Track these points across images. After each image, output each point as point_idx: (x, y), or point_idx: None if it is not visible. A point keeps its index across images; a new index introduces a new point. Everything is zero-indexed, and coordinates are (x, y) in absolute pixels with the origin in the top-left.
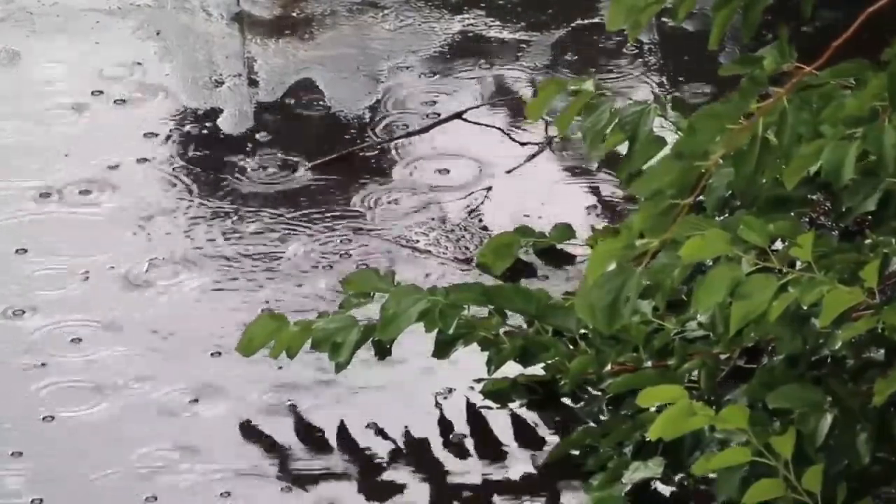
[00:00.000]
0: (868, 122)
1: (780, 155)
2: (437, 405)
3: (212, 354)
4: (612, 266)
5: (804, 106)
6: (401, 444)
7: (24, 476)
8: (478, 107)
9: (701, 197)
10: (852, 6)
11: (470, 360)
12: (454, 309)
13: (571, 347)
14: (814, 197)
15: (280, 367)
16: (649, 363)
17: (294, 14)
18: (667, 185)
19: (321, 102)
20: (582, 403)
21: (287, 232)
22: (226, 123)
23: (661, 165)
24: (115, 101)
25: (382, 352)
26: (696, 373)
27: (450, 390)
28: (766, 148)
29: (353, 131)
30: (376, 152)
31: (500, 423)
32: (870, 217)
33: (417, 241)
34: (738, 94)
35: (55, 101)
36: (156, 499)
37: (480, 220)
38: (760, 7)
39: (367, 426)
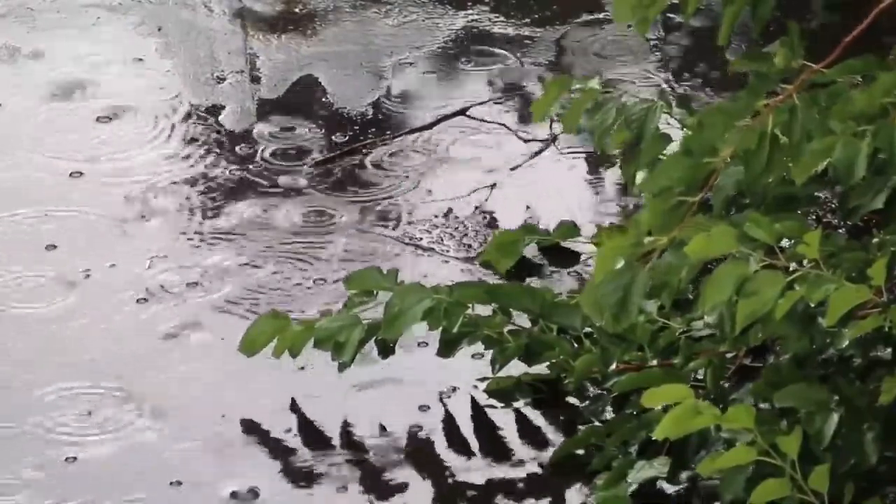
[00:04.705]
0: (878, 119)
1: (790, 152)
2: (442, 403)
3: (212, 354)
4: (620, 264)
5: (813, 103)
6: (404, 443)
7: None
8: (482, 103)
9: (709, 195)
10: (860, 3)
11: (474, 359)
12: (458, 307)
13: (576, 346)
14: (821, 195)
15: (301, 368)
16: (654, 362)
17: (296, 10)
18: (675, 182)
19: (324, 99)
20: (587, 402)
21: (289, 229)
22: (228, 120)
23: (670, 162)
24: (115, 99)
25: (386, 351)
26: (701, 372)
27: (454, 389)
28: (775, 145)
29: (356, 128)
30: (379, 149)
31: (504, 421)
32: (878, 215)
33: (421, 239)
34: (747, 91)
35: (56, 98)
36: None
37: (485, 218)
38: (771, 2)
39: (371, 424)
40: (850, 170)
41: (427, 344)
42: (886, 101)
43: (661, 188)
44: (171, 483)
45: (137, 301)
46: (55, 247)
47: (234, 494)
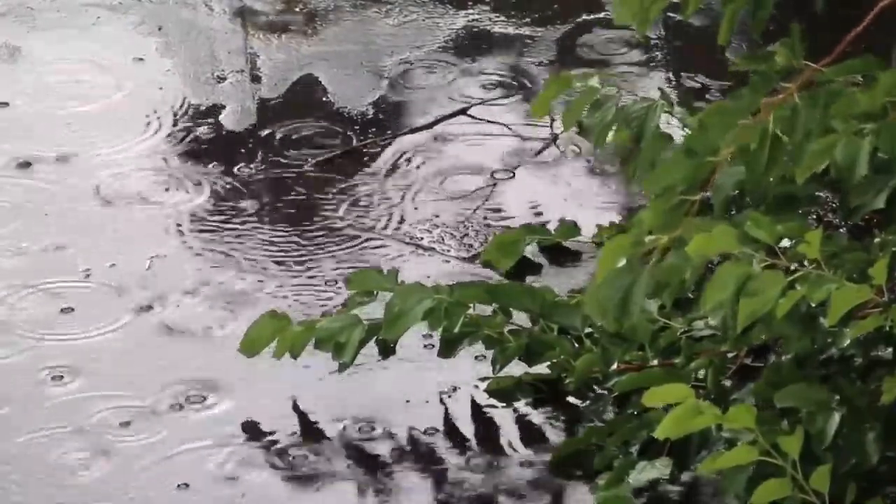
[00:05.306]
0: (879, 119)
1: (792, 151)
2: (442, 403)
3: (212, 350)
4: (623, 263)
5: (814, 102)
6: (405, 443)
7: None
8: (482, 103)
9: (708, 194)
10: (865, 3)
11: (475, 359)
12: (459, 307)
13: (577, 346)
14: (822, 194)
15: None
16: (655, 362)
17: (297, 9)
18: (677, 182)
19: (324, 98)
20: (587, 402)
21: (290, 229)
22: (228, 119)
23: (672, 161)
24: (116, 98)
25: (386, 351)
26: (702, 372)
27: (454, 389)
28: (777, 145)
29: (356, 127)
30: (380, 149)
31: (505, 421)
32: (879, 215)
33: (421, 239)
34: (748, 90)
35: (56, 97)
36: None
37: (485, 218)
38: (770, 3)
39: (371, 424)
40: (853, 169)
41: (433, 346)
42: (888, 100)
43: (662, 187)
44: (178, 486)
45: (138, 301)
46: (64, 248)
47: (237, 495)
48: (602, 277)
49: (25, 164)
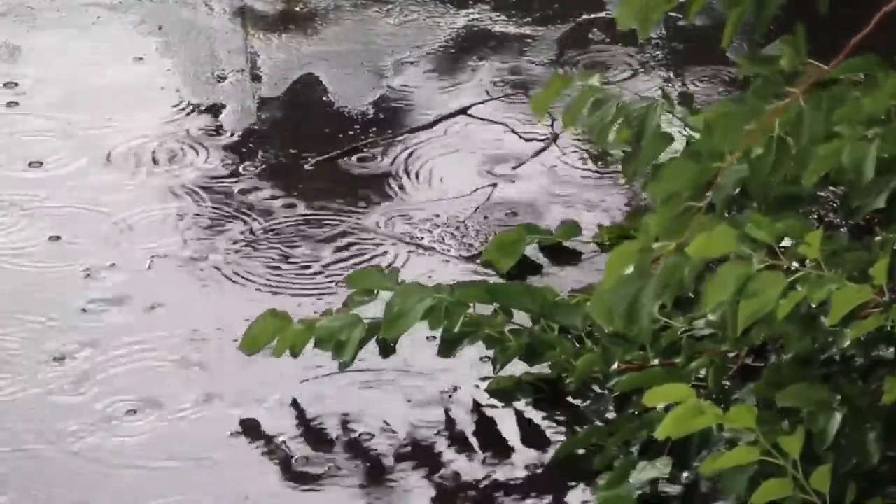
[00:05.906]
0: (884, 123)
1: (798, 155)
2: (443, 403)
3: (213, 352)
4: (630, 269)
5: (817, 105)
6: (405, 443)
7: None
8: (483, 102)
9: (709, 194)
10: (865, 3)
11: (475, 359)
12: (459, 307)
13: (577, 346)
14: (823, 194)
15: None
16: (656, 361)
17: (297, 9)
18: (683, 187)
19: (325, 98)
20: (588, 402)
21: (290, 228)
22: (228, 119)
23: (677, 166)
24: (116, 98)
25: (387, 350)
26: (703, 371)
27: (455, 388)
28: (783, 149)
29: (357, 127)
30: (380, 148)
31: (505, 421)
32: (880, 214)
33: (422, 238)
34: (753, 94)
35: (56, 97)
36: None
37: (486, 217)
38: (775, 3)
39: (371, 424)
40: (860, 172)
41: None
42: (892, 104)
43: (668, 193)
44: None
45: (139, 303)
46: (65, 245)
47: (241, 497)
48: (609, 283)
49: (38, 164)
